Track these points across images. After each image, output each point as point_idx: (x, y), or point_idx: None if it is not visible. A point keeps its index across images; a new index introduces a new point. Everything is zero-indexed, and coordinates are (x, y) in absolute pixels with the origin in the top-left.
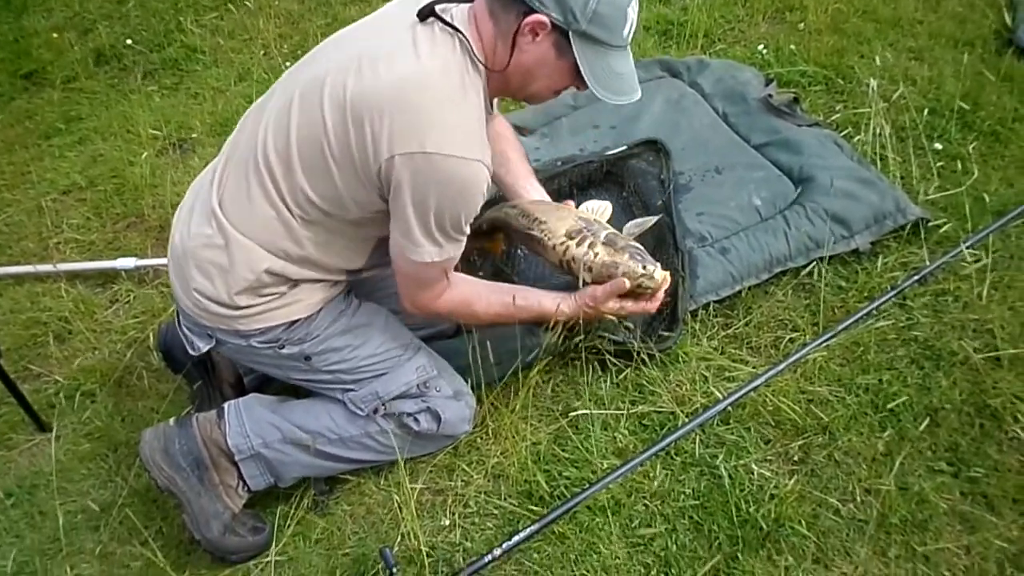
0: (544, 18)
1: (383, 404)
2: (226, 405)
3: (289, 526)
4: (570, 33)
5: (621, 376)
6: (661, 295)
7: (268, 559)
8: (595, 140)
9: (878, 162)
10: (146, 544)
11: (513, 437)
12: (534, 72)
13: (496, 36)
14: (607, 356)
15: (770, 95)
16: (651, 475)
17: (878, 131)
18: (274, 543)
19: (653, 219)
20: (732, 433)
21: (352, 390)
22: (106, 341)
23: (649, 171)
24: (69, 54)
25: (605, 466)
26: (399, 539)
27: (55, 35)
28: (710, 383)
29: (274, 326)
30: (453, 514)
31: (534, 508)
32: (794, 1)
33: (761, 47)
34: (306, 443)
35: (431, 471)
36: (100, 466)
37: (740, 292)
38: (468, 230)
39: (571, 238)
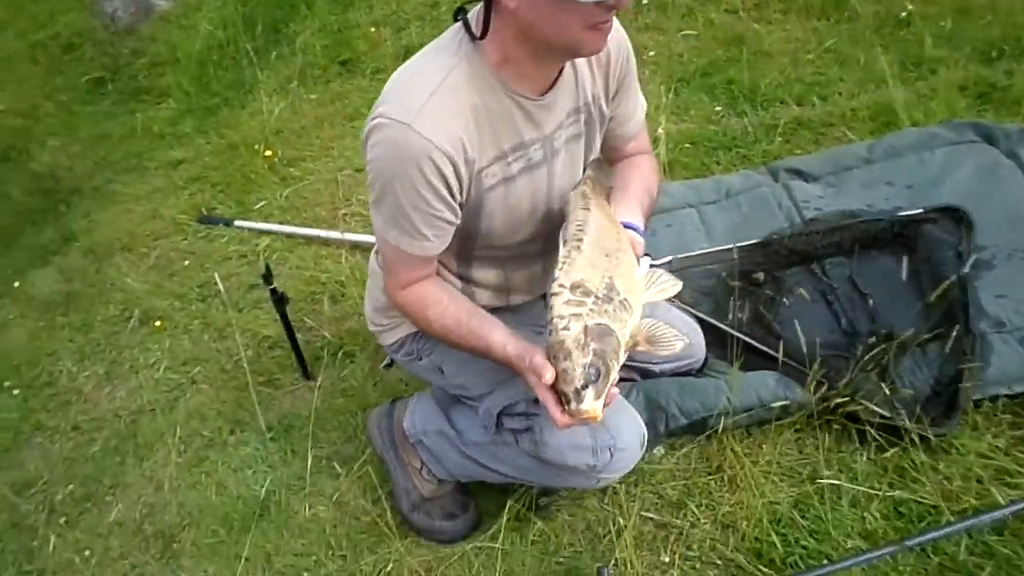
0: None
1: (494, 419)
2: (416, 393)
3: (508, 519)
4: None
5: (882, 454)
6: (573, 422)
7: (483, 545)
8: (886, 198)
9: None
10: (378, 503)
11: (751, 490)
12: (531, 21)
13: (481, 12)
14: (868, 428)
15: None
16: (901, 570)
17: None
18: (496, 534)
19: (673, 288)
20: (1006, 547)
21: (475, 404)
22: None
23: (946, 240)
24: (382, 48)
25: (849, 546)
26: (613, 563)
27: (373, 29)
28: (988, 484)
29: (404, 337)
30: (674, 553)
31: (763, 569)
32: None
33: None
34: (454, 441)
35: (657, 501)
36: (349, 421)
37: None
38: (414, 216)
39: (571, 289)
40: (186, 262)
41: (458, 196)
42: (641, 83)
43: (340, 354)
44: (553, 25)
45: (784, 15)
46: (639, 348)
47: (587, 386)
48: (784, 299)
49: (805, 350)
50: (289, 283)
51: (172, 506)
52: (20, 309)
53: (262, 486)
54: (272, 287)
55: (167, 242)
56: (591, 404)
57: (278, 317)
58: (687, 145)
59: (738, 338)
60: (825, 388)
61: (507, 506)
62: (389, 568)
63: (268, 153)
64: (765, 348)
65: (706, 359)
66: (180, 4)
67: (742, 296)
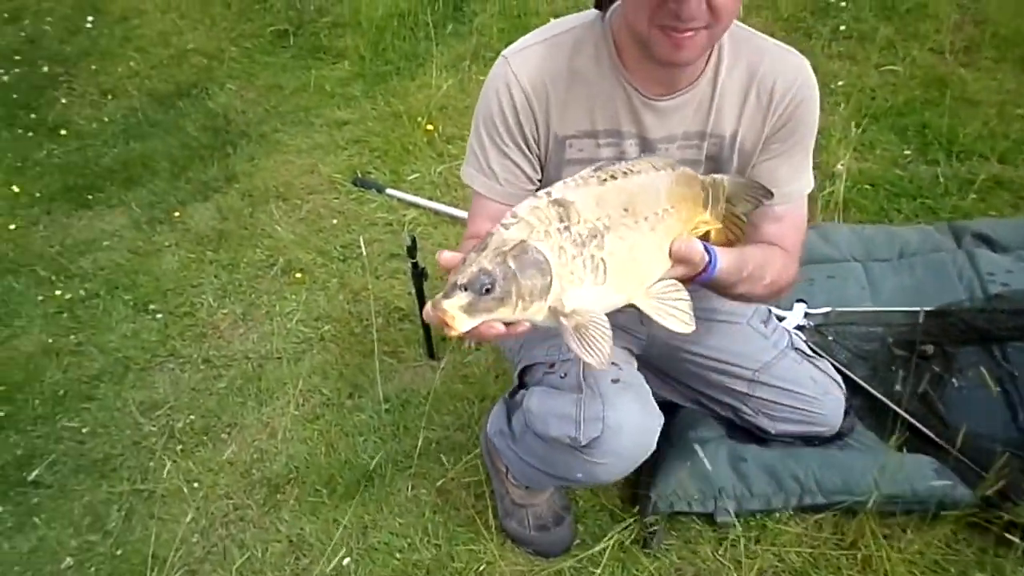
0: None
1: (515, 380)
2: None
3: (611, 547)
4: None
5: None
6: (431, 318)
7: (582, 567)
8: None
9: None
10: (481, 498)
11: None
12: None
13: None
14: None
15: None
16: None
17: None
18: (597, 559)
19: (678, 323)
20: None
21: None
22: None
23: None
24: None
25: None
26: None
27: (553, 18)
28: None
29: None
30: None
31: None
32: None
33: None
34: (507, 438)
35: (777, 564)
36: (465, 409)
37: None
38: (490, 149)
39: (553, 203)
40: (334, 220)
41: (533, 146)
42: (825, 112)
43: (467, 340)
44: (631, 9)
45: (996, 63)
46: (566, 328)
47: (466, 289)
48: (954, 379)
49: (973, 442)
50: (429, 259)
51: (282, 456)
52: (176, 238)
53: (371, 456)
54: (414, 261)
55: (319, 198)
56: (454, 308)
57: (414, 291)
58: (867, 186)
59: (897, 413)
60: (994, 490)
61: (612, 534)
62: (481, 568)
63: (429, 127)
64: (926, 430)
65: (851, 427)
66: None
67: (905, 368)
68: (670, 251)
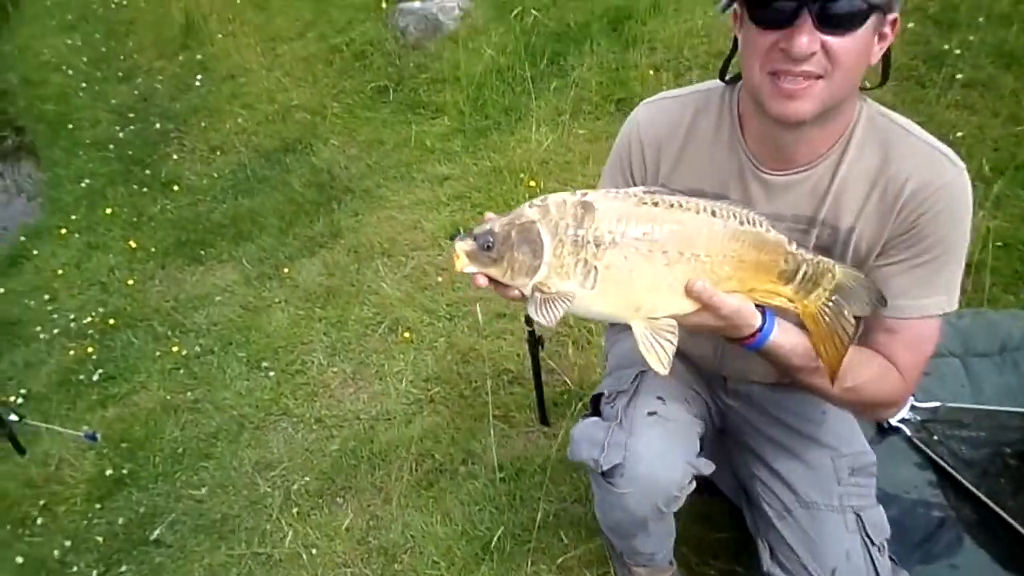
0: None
1: (589, 408)
2: None
3: None
4: None
5: None
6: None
7: None
8: None
9: None
10: None
11: None
12: (743, 57)
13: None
14: None
15: None
16: None
17: None
18: None
19: (655, 362)
20: None
21: None
22: None
23: None
24: (658, 91)
25: None
26: None
27: (651, 72)
28: None
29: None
30: None
31: None
32: None
33: None
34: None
35: None
36: (582, 479)
37: None
38: (606, 176)
39: (581, 204)
40: (439, 278)
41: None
42: None
43: (580, 405)
44: (746, 63)
45: None
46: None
47: (476, 239)
48: None
49: None
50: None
51: (398, 524)
52: (285, 294)
53: (488, 528)
54: (531, 329)
55: (424, 254)
56: (460, 249)
57: (529, 357)
58: (998, 245)
59: (1015, 530)
60: None
61: None
62: None
63: (532, 183)
64: None
65: (960, 538)
66: (467, 26)
67: (1017, 479)
68: (687, 290)
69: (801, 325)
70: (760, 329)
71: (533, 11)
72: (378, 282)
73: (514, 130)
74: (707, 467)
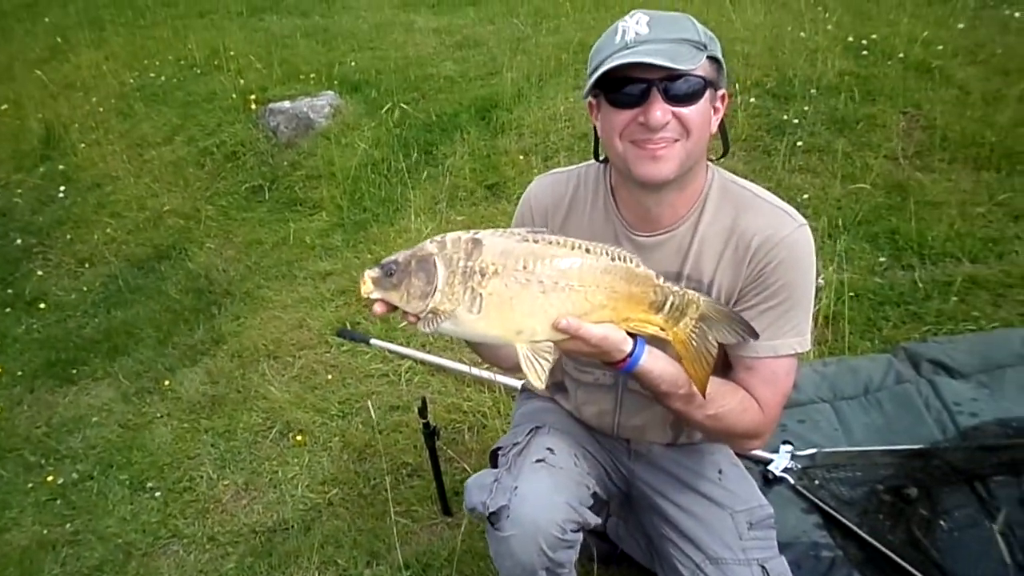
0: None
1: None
2: None
3: None
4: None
5: None
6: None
7: None
8: None
9: None
10: None
11: None
12: (603, 137)
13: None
14: None
15: None
16: None
17: None
18: None
19: (532, 375)
20: None
21: None
22: None
23: None
24: (529, 175)
25: None
26: None
27: (521, 157)
28: None
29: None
30: None
31: None
32: None
33: None
34: None
35: None
36: (489, 567)
37: None
38: None
39: (472, 240)
40: (329, 376)
41: None
42: None
43: None
44: (606, 136)
45: (949, 164)
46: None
47: (382, 267)
48: (941, 521)
49: None
50: (430, 409)
51: None
52: (167, 408)
53: None
54: (425, 421)
55: (311, 353)
56: (367, 276)
57: (426, 451)
58: (851, 295)
59: (896, 563)
60: None
61: None
62: None
63: None
64: None
65: None
66: (339, 123)
67: (893, 513)
68: (554, 326)
69: (676, 356)
70: (631, 354)
71: (402, 105)
72: (265, 386)
73: (393, 221)
74: (593, 517)
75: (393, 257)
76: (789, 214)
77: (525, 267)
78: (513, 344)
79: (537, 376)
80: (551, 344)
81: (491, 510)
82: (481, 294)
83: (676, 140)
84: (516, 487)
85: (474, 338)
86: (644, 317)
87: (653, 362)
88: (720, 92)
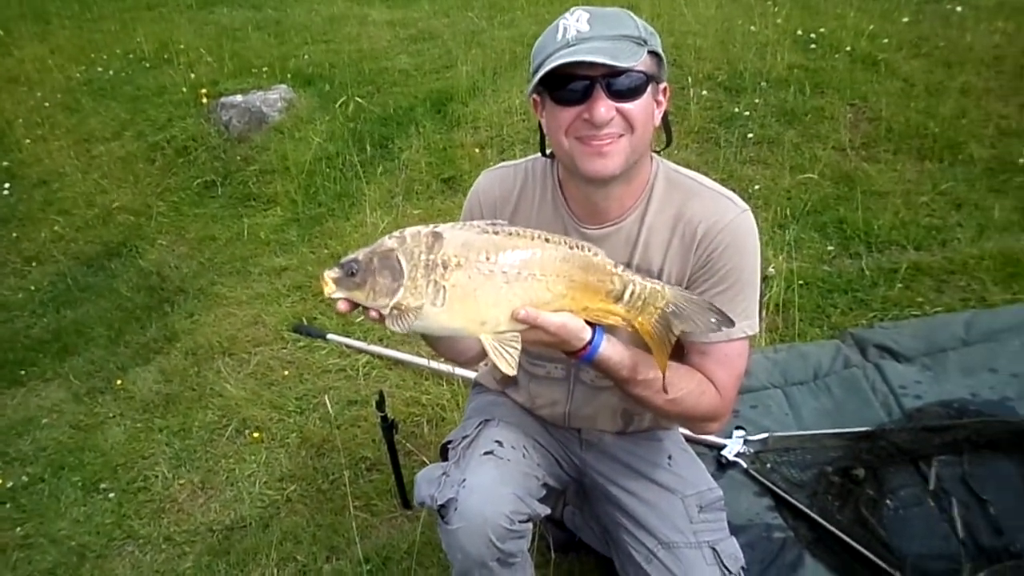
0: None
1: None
2: None
3: None
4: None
5: None
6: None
7: None
8: (991, 387)
9: None
10: None
11: None
12: (549, 135)
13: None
14: None
15: None
16: None
17: None
18: None
19: (501, 361)
20: None
21: None
22: None
23: None
24: (485, 167)
25: None
26: None
27: (477, 150)
28: None
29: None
30: None
31: None
32: None
33: None
34: None
35: None
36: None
37: None
38: None
39: (432, 234)
40: (286, 372)
41: None
42: None
43: None
44: (552, 132)
45: (894, 155)
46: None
47: (342, 266)
48: (888, 501)
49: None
50: (388, 403)
51: None
52: (120, 407)
53: None
54: (383, 414)
55: (267, 349)
56: (328, 277)
57: (385, 444)
58: (800, 284)
59: (845, 542)
60: None
61: None
62: None
63: None
64: (875, 558)
65: (801, 556)
66: (292, 116)
67: (841, 493)
68: (513, 315)
69: (639, 343)
70: (590, 343)
71: (357, 98)
72: (220, 383)
73: (349, 215)
74: (541, 508)
75: (353, 256)
76: (732, 200)
77: (487, 258)
78: (477, 335)
79: (508, 365)
80: (516, 334)
81: (439, 503)
82: (444, 287)
83: (621, 135)
84: (464, 480)
85: (438, 331)
86: (604, 307)
87: (612, 349)
88: (662, 85)
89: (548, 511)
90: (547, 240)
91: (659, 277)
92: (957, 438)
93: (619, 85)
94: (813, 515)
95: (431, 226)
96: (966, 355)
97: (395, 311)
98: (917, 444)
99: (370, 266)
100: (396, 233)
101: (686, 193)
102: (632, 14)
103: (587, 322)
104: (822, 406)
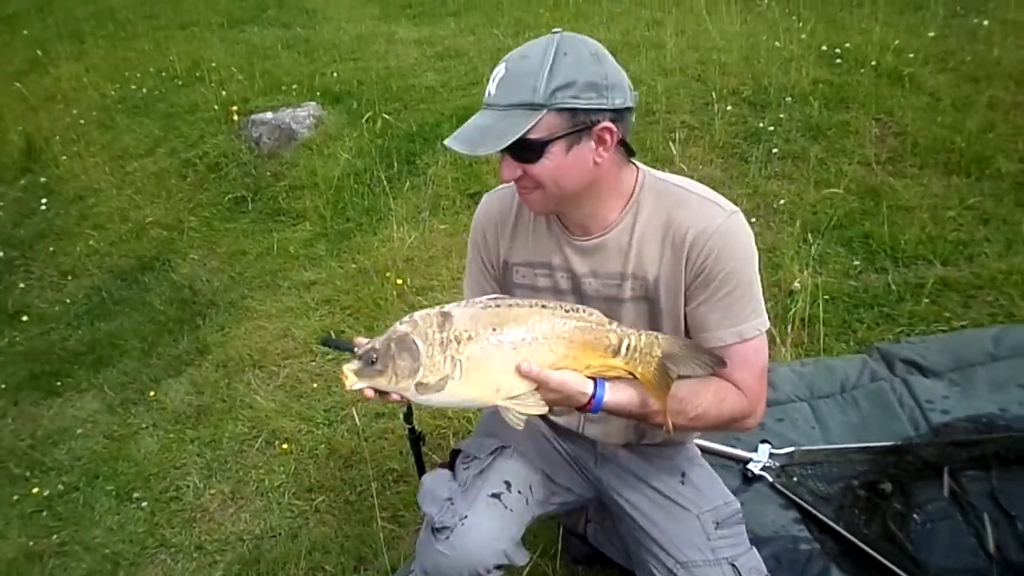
0: None
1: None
2: None
3: None
4: None
5: None
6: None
7: None
8: (1020, 402)
9: None
10: None
11: None
12: None
13: None
14: None
15: None
16: None
17: None
18: None
19: (514, 417)
20: None
21: None
22: None
23: None
24: None
25: None
26: None
27: None
28: None
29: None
30: None
31: None
32: None
33: None
34: None
35: None
36: None
37: None
38: (469, 263)
39: (441, 313)
40: (314, 384)
41: (490, 269)
42: (772, 230)
43: None
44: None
45: (920, 169)
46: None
47: (360, 359)
48: (915, 515)
49: None
50: (415, 415)
51: None
52: (153, 418)
53: None
54: (411, 426)
55: (296, 362)
56: (348, 370)
57: (412, 456)
58: (826, 299)
59: (871, 556)
60: None
61: None
62: None
63: (399, 281)
64: (901, 572)
65: (827, 569)
66: (321, 133)
67: (868, 507)
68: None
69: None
70: (593, 396)
71: (384, 115)
72: (251, 395)
73: (376, 230)
74: (522, 558)
75: (369, 345)
76: (719, 204)
77: (495, 329)
78: (493, 403)
79: (517, 423)
80: (527, 403)
81: (436, 526)
82: (460, 360)
83: (536, 188)
84: (466, 516)
85: (458, 403)
86: (604, 362)
87: (617, 396)
88: (597, 129)
89: (527, 558)
90: (543, 306)
91: (656, 285)
92: (985, 452)
93: (516, 151)
94: (839, 529)
95: (438, 308)
96: (994, 370)
97: (417, 390)
98: (944, 459)
99: (388, 352)
100: (406, 318)
101: (674, 200)
102: (548, 66)
103: (591, 377)
104: (848, 420)
